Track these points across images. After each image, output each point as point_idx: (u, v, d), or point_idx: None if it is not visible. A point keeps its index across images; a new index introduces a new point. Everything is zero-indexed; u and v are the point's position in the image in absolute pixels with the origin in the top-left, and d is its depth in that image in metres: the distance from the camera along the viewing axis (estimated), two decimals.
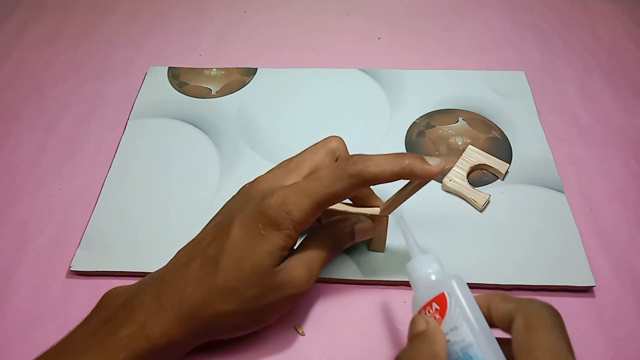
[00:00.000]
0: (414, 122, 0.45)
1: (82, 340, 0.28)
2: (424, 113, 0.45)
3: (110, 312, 0.29)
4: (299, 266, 0.30)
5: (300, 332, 0.33)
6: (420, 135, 0.43)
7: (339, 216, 0.33)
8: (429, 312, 0.25)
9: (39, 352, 0.32)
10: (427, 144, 0.43)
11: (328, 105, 0.46)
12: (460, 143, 0.43)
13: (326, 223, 0.33)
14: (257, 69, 0.49)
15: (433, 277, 0.27)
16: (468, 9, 0.58)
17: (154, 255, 0.35)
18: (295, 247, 0.31)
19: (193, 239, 0.31)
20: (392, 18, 0.57)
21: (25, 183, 0.41)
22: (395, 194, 0.32)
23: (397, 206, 0.32)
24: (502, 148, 0.42)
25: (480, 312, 0.25)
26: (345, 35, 0.55)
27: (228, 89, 0.48)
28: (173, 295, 0.28)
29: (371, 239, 0.35)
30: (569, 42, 0.54)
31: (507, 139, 0.43)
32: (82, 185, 0.41)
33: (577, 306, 0.34)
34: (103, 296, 0.30)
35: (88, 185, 0.41)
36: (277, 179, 0.31)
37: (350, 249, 0.36)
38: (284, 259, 0.29)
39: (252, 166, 0.41)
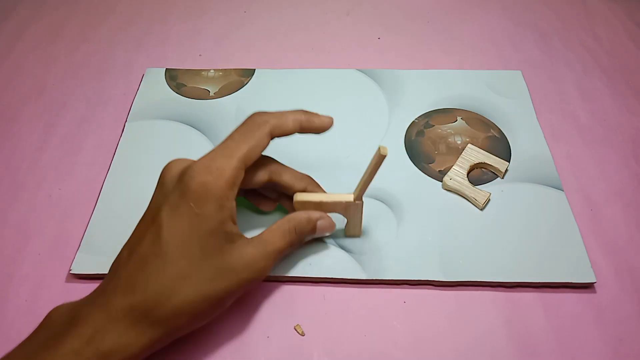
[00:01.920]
0: (413, 121, 0.45)
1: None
2: (423, 113, 0.45)
3: (52, 331, 0.27)
4: (256, 254, 0.29)
5: (300, 332, 0.33)
6: (419, 134, 0.43)
7: (302, 211, 0.33)
8: None
9: None
10: (426, 144, 0.43)
11: (327, 105, 0.46)
12: (459, 142, 0.43)
13: (290, 216, 0.33)
14: (255, 69, 0.49)
15: None
16: (468, 9, 0.58)
17: None
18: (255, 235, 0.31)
19: (128, 240, 0.30)
20: (391, 18, 0.57)
21: (25, 183, 0.41)
22: (362, 178, 0.32)
23: (366, 188, 0.33)
24: (501, 147, 0.42)
25: None
26: (344, 35, 0.55)
27: (226, 90, 0.48)
28: (121, 302, 0.26)
29: (347, 225, 0.36)
30: (568, 42, 0.54)
31: (506, 138, 0.43)
32: (82, 185, 0.41)
33: (578, 302, 0.34)
34: (45, 317, 0.28)
35: (88, 185, 0.41)
36: (188, 161, 0.30)
37: (350, 249, 0.36)
38: (231, 236, 0.29)
39: None
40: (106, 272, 0.34)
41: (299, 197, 0.34)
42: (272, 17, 0.57)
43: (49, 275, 0.36)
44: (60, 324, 0.27)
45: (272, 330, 0.33)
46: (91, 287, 0.35)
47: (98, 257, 0.36)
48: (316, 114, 0.32)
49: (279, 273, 0.35)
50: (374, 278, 0.34)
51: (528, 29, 0.56)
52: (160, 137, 0.44)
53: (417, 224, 0.37)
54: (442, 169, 0.41)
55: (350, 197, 0.34)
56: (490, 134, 0.43)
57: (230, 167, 0.28)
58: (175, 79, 0.49)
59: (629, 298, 0.34)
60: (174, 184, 0.28)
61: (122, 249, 0.29)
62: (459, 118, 0.45)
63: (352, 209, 0.34)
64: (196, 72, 0.49)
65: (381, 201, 0.39)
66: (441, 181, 0.40)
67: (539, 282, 0.34)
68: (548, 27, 0.56)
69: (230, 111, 0.46)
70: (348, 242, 0.36)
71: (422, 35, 0.55)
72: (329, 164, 0.41)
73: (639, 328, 0.33)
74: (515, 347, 0.32)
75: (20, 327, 0.33)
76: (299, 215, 0.33)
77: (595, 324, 0.33)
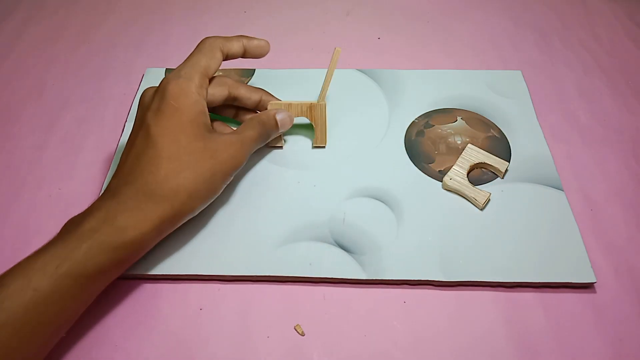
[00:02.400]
0: (413, 121, 0.45)
1: (40, 250, 0.29)
2: (423, 113, 0.45)
3: (69, 228, 0.30)
4: (232, 137, 0.35)
5: (300, 332, 0.33)
6: (419, 134, 0.43)
7: (268, 110, 0.40)
8: None
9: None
10: (426, 144, 0.43)
11: (327, 105, 0.46)
12: (459, 142, 0.43)
13: (253, 115, 0.39)
14: (255, 69, 0.49)
15: None
16: (468, 9, 0.58)
17: (153, 257, 0.35)
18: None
19: (123, 150, 0.35)
20: (391, 18, 0.57)
21: (25, 183, 0.41)
22: (323, 84, 0.39)
23: (326, 90, 0.39)
24: (500, 147, 0.42)
25: None
26: (344, 35, 0.55)
27: None
28: (127, 190, 0.31)
29: (315, 133, 0.42)
30: (568, 42, 0.54)
31: (506, 138, 0.43)
32: (82, 185, 0.41)
33: (578, 302, 0.34)
34: (61, 228, 0.31)
35: (88, 185, 0.41)
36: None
37: (350, 249, 0.36)
38: (208, 124, 0.35)
39: (252, 167, 0.41)
40: None
41: (272, 104, 0.40)
42: (272, 18, 0.57)
43: None
44: (75, 222, 0.31)
45: (272, 330, 0.33)
46: None
47: None
48: (255, 38, 0.39)
49: (278, 273, 0.35)
50: (374, 278, 0.34)
51: (528, 29, 0.56)
52: None
53: (417, 224, 0.37)
54: (442, 169, 0.41)
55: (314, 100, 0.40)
56: (490, 134, 0.43)
57: (195, 72, 0.35)
58: None
59: (629, 298, 0.34)
60: (152, 97, 0.34)
61: (120, 157, 0.35)
62: (459, 118, 0.45)
63: (317, 110, 0.41)
64: None
65: (381, 201, 0.39)
66: (441, 181, 0.40)
67: (539, 282, 0.34)
68: (548, 27, 0.56)
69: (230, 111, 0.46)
70: (348, 242, 0.36)
71: (422, 35, 0.55)
72: (329, 164, 0.41)
73: (639, 328, 0.33)
74: (515, 347, 0.32)
75: None
76: (261, 113, 0.39)
77: (595, 324, 0.33)
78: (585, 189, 0.40)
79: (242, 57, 0.39)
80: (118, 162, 0.34)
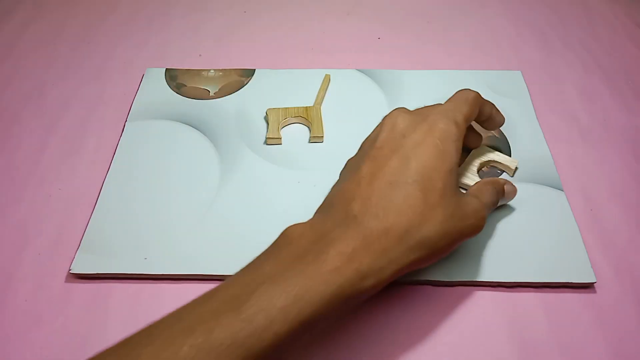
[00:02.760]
0: None
1: (275, 273, 0.25)
2: None
3: (301, 248, 0.26)
4: (478, 201, 0.31)
5: None
6: None
7: (492, 179, 0.36)
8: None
9: (39, 352, 0.32)
10: None
11: (327, 106, 0.46)
12: None
13: (485, 180, 0.36)
14: (255, 69, 0.49)
15: None
16: (468, 9, 0.58)
17: (154, 257, 0.36)
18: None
19: (354, 170, 0.30)
20: (391, 18, 0.57)
21: (25, 183, 0.41)
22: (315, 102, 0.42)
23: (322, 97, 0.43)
24: (501, 147, 0.42)
25: None
26: (344, 35, 0.55)
27: (226, 90, 0.48)
28: (376, 225, 0.26)
29: (312, 131, 0.43)
30: (568, 42, 0.54)
31: (506, 138, 0.43)
32: (82, 185, 0.41)
33: (578, 302, 0.34)
34: (281, 235, 0.28)
35: (88, 185, 0.41)
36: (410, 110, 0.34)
37: None
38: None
39: (252, 167, 0.41)
40: (106, 271, 0.35)
41: (270, 109, 0.42)
42: (272, 17, 0.57)
43: (49, 275, 0.36)
44: (307, 242, 0.27)
45: None
46: (91, 286, 0.35)
47: (98, 257, 0.36)
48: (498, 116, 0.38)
49: None
50: None
51: (528, 29, 0.56)
52: (160, 137, 0.44)
53: None
54: None
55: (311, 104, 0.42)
56: (490, 134, 0.43)
57: (462, 119, 0.32)
58: (175, 79, 0.49)
59: (629, 298, 0.34)
60: (412, 124, 0.31)
61: (350, 174, 0.30)
62: None
63: (312, 110, 0.44)
64: (196, 72, 0.49)
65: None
66: None
67: (539, 282, 0.34)
68: (548, 27, 0.56)
69: (230, 111, 0.46)
70: None
71: (422, 35, 0.55)
72: (329, 164, 0.41)
73: (639, 328, 0.33)
74: (515, 347, 0.32)
75: (20, 327, 0.33)
76: (494, 182, 0.35)
77: (595, 324, 0.33)
78: (586, 189, 0.40)
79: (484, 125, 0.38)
80: (351, 174, 0.30)
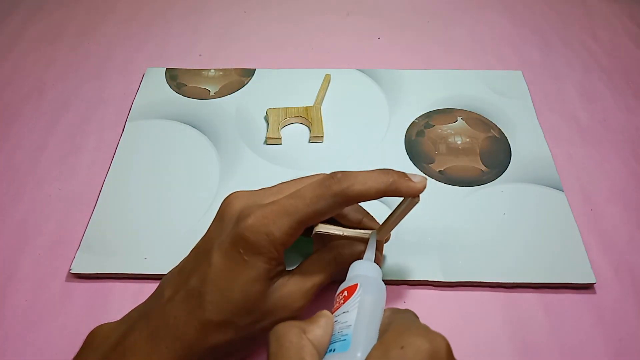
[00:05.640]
0: (413, 121, 0.45)
1: None
2: (423, 113, 0.45)
3: (100, 355, 0.27)
4: (295, 292, 0.29)
5: None
6: (419, 134, 0.43)
7: (344, 241, 0.31)
8: (339, 296, 0.27)
9: (39, 352, 0.32)
10: (426, 144, 0.43)
11: (327, 106, 0.46)
12: (459, 142, 0.43)
13: (331, 246, 0.31)
14: (255, 69, 0.49)
15: (360, 273, 0.28)
16: (468, 9, 0.58)
17: (154, 257, 0.36)
18: (293, 268, 0.30)
19: (176, 267, 0.30)
20: (391, 18, 0.57)
21: (25, 183, 0.41)
22: (389, 216, 0.30)
23: (393, 228, 0.30)
24: (501, 147, 0.42)
25: (378, 311, 0.26)
26: (344, 35, 0.55)
27: (226, 90, 0.48)
28: (165, 334, 0.27)
29: (312, 130, 0.42)
30: (568, 42, 0.54)
31: (506, 138, 0.43)
32: (82, 185, 0.41)
33: (578, 303, 0.34)
34: (89, 335, 0.29)
35: (88, 185, 0.41)
36: (256, 197, 0.29)
37: None
38: (274, 278, 0.28)
39: (252, 167, 0.41)
40: (107, 271, 0.35)
41: (321, 227, 0.30)
42: (272, 17, 0.57)
43: (49, 274, 0.36)
44: (106, 348, 0.27)
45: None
46: (91, 286, 0.35)
47: (98, 257, 0.36)
48: (407, 178, 0.28)
49: None
50: None
51: (528, 29, 0.56)
52: (160, 137, 0.44)
53: (417, 224, 0.37)
54: (442, 169, 0.41)
55: (369, 233, 0.31)
56: (491, 134, 0.43)
57: (284, 228, 0.27)
58: (176, 79, 0.49)
59: (629, 298, 0.34)
60: (232, 224, 0.28)
61: (172, 272, 0.29)
62: (459, 118, 0.45)
63: (312, 110, 0.43)
64: (196, 72, 0.49)
65: (381, 201, 0.39)
66: (441, 181, 0.40)
67: (539, 283, 0.34)
68: (548, 27, 0.56)
69: (231, 111, 0.46)
70: None
71: (422, 35, 0.55)
72: (329, 164, 0.41)
73: (639, 328, 0.33)
74: (515, 347, 0.32)
75: (20, 327, 0.33)
76: (341, 245, 0.31)
77: (595, 324, 0.33)
78: (585, 189, 0.40)
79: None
80: (168, 278, 0.29)
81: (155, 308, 0.28)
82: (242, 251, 0.27)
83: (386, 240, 0.34)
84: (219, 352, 0.28)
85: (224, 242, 0.27)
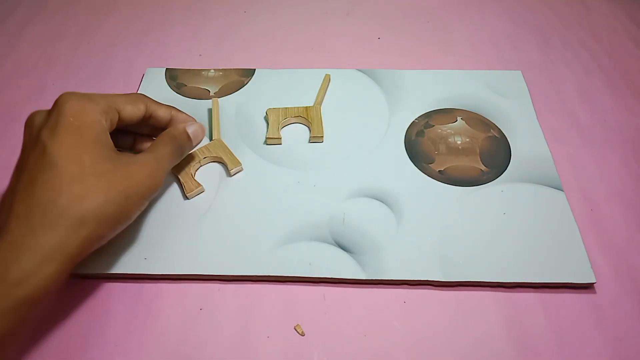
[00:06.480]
0: (413, 121, 0.45)
1: None
2: (423, 113, 0.45)
3: None
4: (146, 157, 0.32)
5: (300, 332, 0.33)
6: (419, 134, 0.43)
7: (172, 126, 0.36)
8: None
9: (38, 352, 0.32)
10: (426, 144, 0.43)
11: (327, 106, 0.46)
12: (459, 142, 0.43)
13: (163, 133, 0.35)
14: (255, 69, 0.49)
15: None
16: (468, 9, 0.58)
17: (154, 257, 0.36)
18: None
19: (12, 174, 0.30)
20: (391, 18, 0.57)
21: None
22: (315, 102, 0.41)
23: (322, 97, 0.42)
24: (500, 147, 0.42)
25: None
26: (344, 35, 0.55)
27: (226, 90, 0.48)
28: (23, 225, 0.26)
29: (312, 131, 0.43)
30: (568, 42, 0.54)
31: (506, 138, 0.43)
32: None
33: (578, 303, 0.34)
34: None
35: None
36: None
37: (350, 249, 0.36)
38: (113, 147, 0.31)
39: (252, 167, 0.41)
40: (106, 271, 0.35)
41: (270, 109, 0.43)
42: (272, 17, 0.57)
43: None
44: None
45: (272, 330, 0.33)
46: (91, 286, 0.35)
47: (98, 257, 0.36)
48: (184, 114, 0.37)
49: (278, 273, 0.35)
50: (374, 278, 0.34)
51: (528, 29, 0.56)
52: None
53: (417, 224, 0.37)
54: (442, 169, 0.41)
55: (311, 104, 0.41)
56: (490, 134, 0.43)
57: (104, 100, 0.31)
58: (176, 79, 0.49)
59: (629, 298, 0.34)
60: (45, 115, 0.30)
61: (10, 182, 0.30)
62: (459, 118, 0.45)
63: (312, 110, 0.44)
64: (196, 72, 0.49)
65: (381, 201, 0.39)
66: (441, 181, 0.40)
67: (539, 282, 0.34)
68: (548, 27, 0.56)
69: (231, 111, 0.46)
70: (348, 242, 0.36)
71: (422, 35, 0.55)
72: (329, 164, 0.41)
73: (639, 328, 0.33)
74: (515, 347, 0.32)
75: None
76: (172, 129, 0.35)
77: (595, 324, 0.33)
78: (585, 189, 0.40)
79: (165, 126, 0.37)
80: (7, 188, 0.29)
81: (4, 208, 0.28)
82: (72, 119, 0.29)
83: None
84: (89, 219, 0.28)
85: (49, 124, 0.29)
